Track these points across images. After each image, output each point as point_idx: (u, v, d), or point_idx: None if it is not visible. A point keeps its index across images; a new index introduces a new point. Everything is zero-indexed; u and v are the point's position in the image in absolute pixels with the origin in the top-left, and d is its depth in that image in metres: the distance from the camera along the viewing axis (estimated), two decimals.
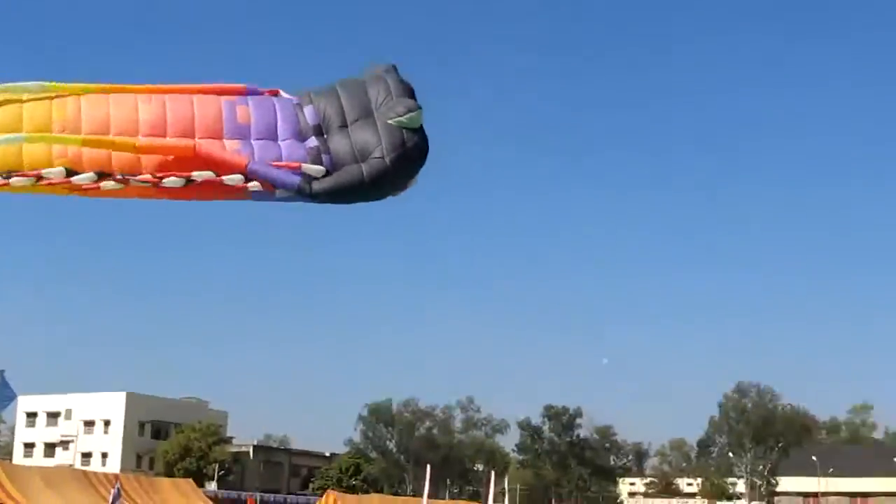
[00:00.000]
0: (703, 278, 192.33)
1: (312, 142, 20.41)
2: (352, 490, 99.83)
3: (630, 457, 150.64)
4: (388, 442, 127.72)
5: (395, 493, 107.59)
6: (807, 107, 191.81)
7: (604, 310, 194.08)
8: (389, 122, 18.48)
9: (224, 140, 17.80)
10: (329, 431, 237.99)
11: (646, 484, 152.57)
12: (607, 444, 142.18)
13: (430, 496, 69.62)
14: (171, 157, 17.06)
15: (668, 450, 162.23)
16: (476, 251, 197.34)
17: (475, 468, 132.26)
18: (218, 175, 16.52)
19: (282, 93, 20.76)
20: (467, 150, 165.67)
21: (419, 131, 20.35)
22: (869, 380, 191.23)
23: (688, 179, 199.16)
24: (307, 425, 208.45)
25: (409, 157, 19.63)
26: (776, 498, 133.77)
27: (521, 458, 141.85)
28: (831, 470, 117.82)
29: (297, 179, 17.29)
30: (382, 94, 19.62)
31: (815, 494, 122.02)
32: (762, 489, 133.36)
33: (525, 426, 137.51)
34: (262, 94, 20.18)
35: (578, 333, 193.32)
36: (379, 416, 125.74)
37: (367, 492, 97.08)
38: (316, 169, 18.35)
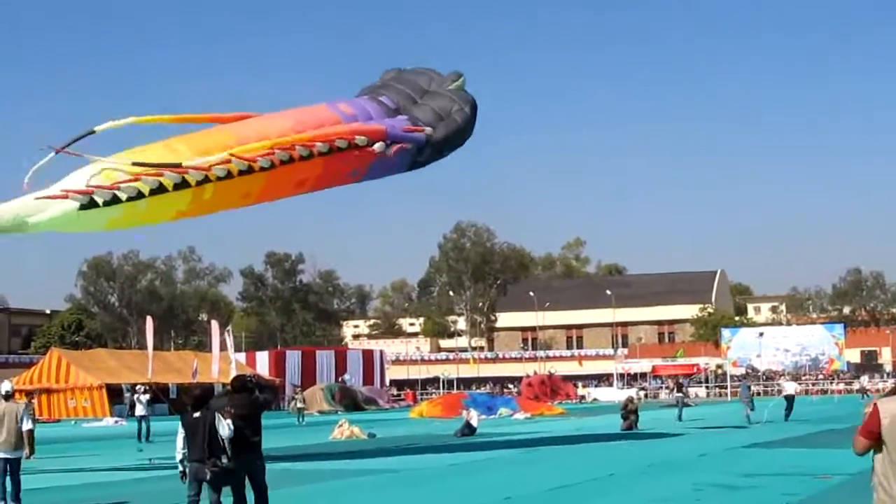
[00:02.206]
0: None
1: (402, 117, 27.32)
2: (75, 346, 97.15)
3: (353, 300, 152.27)
4: (109, 296, 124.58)
5: (120, 347, 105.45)
6: None
7: None
8: (449, 89, 28.65)
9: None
10: (48, 288, 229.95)
11: (369, 325, 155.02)
12: (330, 288, 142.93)
13: (154, 348, 68.67)
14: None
15: (390, 291, 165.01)
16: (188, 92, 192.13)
17: (199, 318, 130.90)
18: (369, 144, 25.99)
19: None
20: None
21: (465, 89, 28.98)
22: (581, 216, 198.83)
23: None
24: (25, 283, 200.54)
25: (475, 106, 28.60)
26: (495, 333, 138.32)
27: (244, 305, 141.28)
28: (547, 304, 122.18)
29: (422, 136, 27.01)
30: (426, 78, 29.63)
31: (533, 328, 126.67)
32: (482, 325, 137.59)
33: (248, 274, 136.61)
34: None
35: None
36: (99, 270, 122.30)
37: (90, 347, 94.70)
38: (429, 130, 27.39)
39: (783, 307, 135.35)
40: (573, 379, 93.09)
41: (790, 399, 42.71)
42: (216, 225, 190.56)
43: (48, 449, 28.77)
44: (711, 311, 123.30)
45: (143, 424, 37.08)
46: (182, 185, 23.30)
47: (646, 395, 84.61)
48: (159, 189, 22.99)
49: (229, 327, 73.44)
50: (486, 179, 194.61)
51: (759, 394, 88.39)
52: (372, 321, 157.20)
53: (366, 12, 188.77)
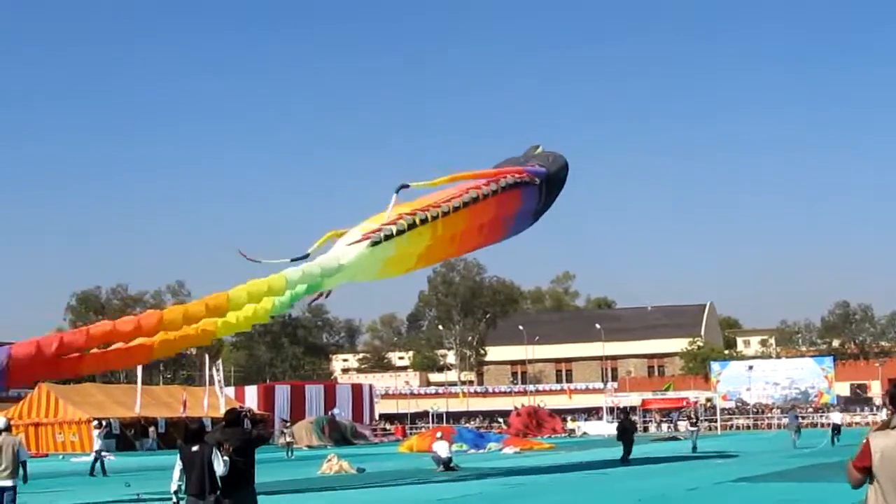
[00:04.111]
0: (405, 147, 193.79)
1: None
2: (63, 380, 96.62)
3: (342, 334, 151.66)
4: None
5: (109, 381, 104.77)
6: None
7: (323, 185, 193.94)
8: (537, 152, 37.30)
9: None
10: (37, 322, 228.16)
11: (358, 360, 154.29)
12: (319, 322, 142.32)
13: (143, 382, 68.54)
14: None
15: (380, 325, 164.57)
16: (179, 129, 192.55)
17: (188, 352, 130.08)
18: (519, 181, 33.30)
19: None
20: None
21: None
22: (570, 249, 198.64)
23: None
24: (13, 317, 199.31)
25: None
26: (485, 367, 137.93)
27: (234, 340, 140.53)
28: (537, 338, 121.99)
29: (544, 169, 34.70)
30: (516, 158, 37.07)
31: (522, 362, 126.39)
32: (471, 359, 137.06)
33: None
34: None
35: (259, 210, 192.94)
36: (88, 303, 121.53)
37: (79, 381, 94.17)
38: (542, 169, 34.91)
39: (772, 340, 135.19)
40: (562, 412, 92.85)
41: (837, 427, 52.37)
42: (204, 258, 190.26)
43: (37, 484, 28.63)
44: (701, 344, 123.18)
45: (99, 458, 37.69)
46: (425, 220, 29.80)
47: (635, 430, 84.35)
48: (414, 224, 29.52)
49: (218, 362, 73.21)
50: None
51: (748, 427, 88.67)
52: (361, 355, 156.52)
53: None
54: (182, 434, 14.18)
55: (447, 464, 34.99)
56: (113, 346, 26.82)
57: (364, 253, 28.47)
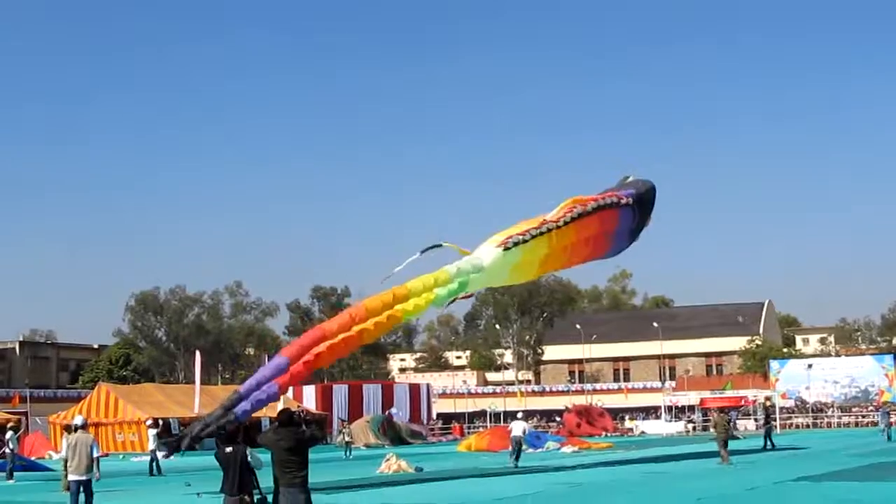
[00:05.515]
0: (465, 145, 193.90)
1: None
2: (123, 381, 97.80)
3: (400, 333, 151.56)
4: (157, 330, 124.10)
5: (167, 382, 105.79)
6: None
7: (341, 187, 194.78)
8: (628, 180, 40.89)
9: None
10: (96, 323, 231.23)
11: (416, 359, 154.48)
12: None
13: (202, 382, 68.77)
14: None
15: (437, 325, 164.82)
16: (235, 131, 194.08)
17: (246, 352, 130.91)
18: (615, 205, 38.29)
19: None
20: None
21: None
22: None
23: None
24: (73, 318, 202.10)
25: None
26: (542, 366, 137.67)
27: (291, 339, 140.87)
28: (594, 337, 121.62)
29: (633, 191, 39.47)
30: (612, 186, 40.31)
31: (580, 361, 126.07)
32: (529, 358, 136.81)
33: (294, 308, 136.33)
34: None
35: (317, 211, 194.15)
36: (147, 304, 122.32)
37: (138, 382, 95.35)
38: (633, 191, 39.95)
39: (832, 338, 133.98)
40: (620, 412, 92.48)
41: None
42: (262, 259, 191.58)
43: (101, 483, 28.92)
44: (759, 342, 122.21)
45: (155, 458, 38.48)
46: (546, 231, 34.71)
47: (694, 429, 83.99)
48: (539, 234, 34.43)
49: None
50: (530, 212, 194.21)
51: (808, 426, 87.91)
52: (418, 355, 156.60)
53: None
54: (243, 434, 14.54)
55: (518, 442, 35.85)
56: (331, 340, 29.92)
57: (499, 256, 33.52)
